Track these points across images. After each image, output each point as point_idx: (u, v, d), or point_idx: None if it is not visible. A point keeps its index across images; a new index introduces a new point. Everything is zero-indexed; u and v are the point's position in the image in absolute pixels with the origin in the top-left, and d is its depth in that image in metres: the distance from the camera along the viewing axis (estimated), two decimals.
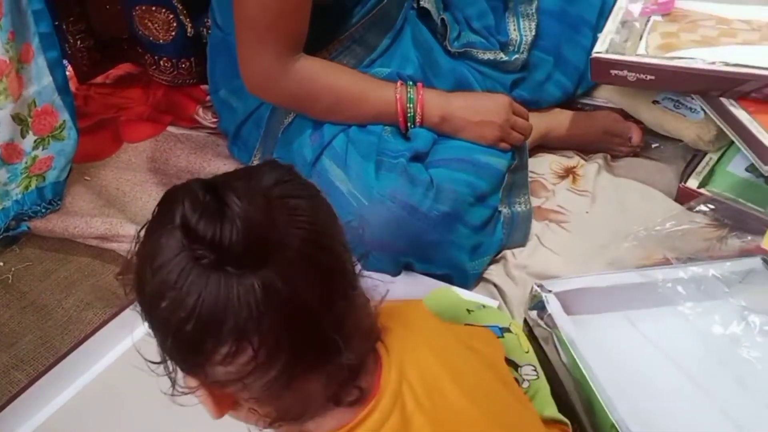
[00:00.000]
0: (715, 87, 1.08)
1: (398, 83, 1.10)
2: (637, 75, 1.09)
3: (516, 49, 1.22)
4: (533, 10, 1.23)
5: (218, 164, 1.27)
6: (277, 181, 0.57)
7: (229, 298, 0.52)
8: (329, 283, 0.56)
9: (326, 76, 1.07)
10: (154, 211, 0.57)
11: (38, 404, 0.94)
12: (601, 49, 1.11)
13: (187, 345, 0.55)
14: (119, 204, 1.22)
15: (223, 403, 0.60)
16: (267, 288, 0.52)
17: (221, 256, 0.52)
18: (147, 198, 1.24)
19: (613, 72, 1.10)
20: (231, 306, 0.52)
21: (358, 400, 0.59)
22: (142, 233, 0.57)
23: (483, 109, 1.13)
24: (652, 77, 1.09)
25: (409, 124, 1.11)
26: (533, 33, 1.23)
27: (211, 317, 0.53)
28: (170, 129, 1.36)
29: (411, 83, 1.11)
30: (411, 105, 1.09)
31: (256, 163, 1.17)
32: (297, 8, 1.01)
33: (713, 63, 1.06)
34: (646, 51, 1.11)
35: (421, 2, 1.22)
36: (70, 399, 0.95)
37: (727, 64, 1.06)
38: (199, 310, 0.52)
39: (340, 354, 0.56)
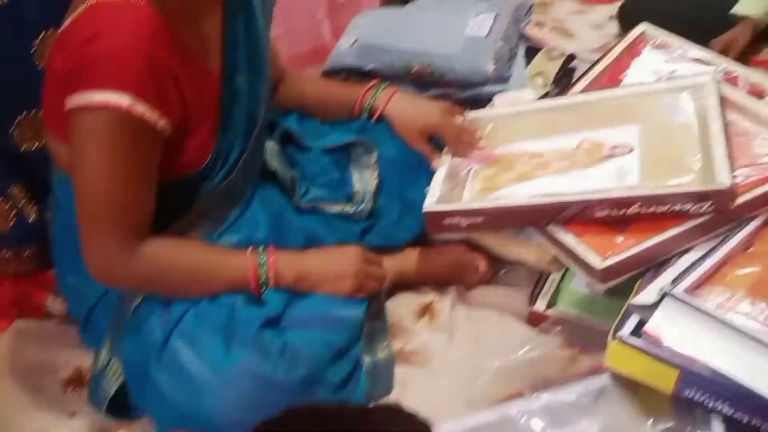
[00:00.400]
0: (539, 218, 1.14)
1: (249, 250, 1.11)
2: (468, 220, 1.15)
3: (362, 200, 1.26)
4: (374, 161, 1.28)
5: (69, 355, 1.23)
6: None
7: None
8: None
9: (175, 255, 1.07)
10: None
11: None
12: (431, 201, 1.17)
13: None
14: None
15: None
16: None
17: None
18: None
19: (446, 221, 1.16)
20: None
21: None
22: None
23: (336, 262, 1.15)
24: (482, 219, 1.15)
25: (262, 289, 1.10)
26: (376, 182, 1.27)
27: None
28: (17, 323, 1.31)
29: (262, 247, 1.11)
30: (263, 269, 1.10)
31: (104, 355, 1.13)
32: (139, 197, 1.02)
33: (533, 197, 1.12)
34: (470, 197, 1.17)
35: (268, 162, 1.25)
36: None
37: (544, 196, 1.11)
38: None
39: None
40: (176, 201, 1.10)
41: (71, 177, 1.02)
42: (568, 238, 1.11)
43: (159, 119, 0.97)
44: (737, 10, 1.67)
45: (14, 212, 1.32)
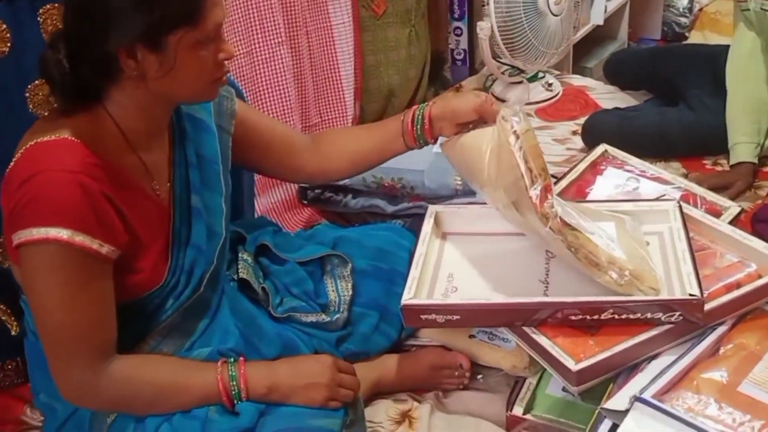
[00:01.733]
0: (514, 319, 1.17)
1: (220, 362, 1.12)
2: (445, 316, 1.17)
3: (336, 309, 1.28)
4: (348, 272, 1.32)
5: None
6: None
7: None
8: None
9: (143, 373, 1.08)
10: None
11: None
12: (408, 295, 1.19)
13: None
14: None
15: None
16: None
17: None
18: None
19: (423, 316, 1.18)
20: None
21: None
22: None
23: (308, 372, 1.15)
24: (458, 317, 1.17)
25: (235, 401, 1.11)
26: (350, 292, 1.30)
27: None
28: None
29: (233, 359, 1.13)
30: (234, 383, 1.10)
31: None
32: (96, 321, 1.03)
33: (509, 297, 1.16)
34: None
35: (240, 274, 1.28)
36: None
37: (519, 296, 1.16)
38: None
39: None
40: (145, 318, 1.12)
41: (31, 310, 1.04)
42: (542, 340, 1.14)
43: (102, 246, 1.00)
44: (737, 158, 1.75)
45: None
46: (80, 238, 0.97)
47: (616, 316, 1.11)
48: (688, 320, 1.09)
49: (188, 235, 1.14)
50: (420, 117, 1.26)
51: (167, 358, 1.12)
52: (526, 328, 1.17)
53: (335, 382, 1.15)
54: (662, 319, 1.10)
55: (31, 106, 1.28)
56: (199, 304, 1.17)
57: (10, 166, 1.01)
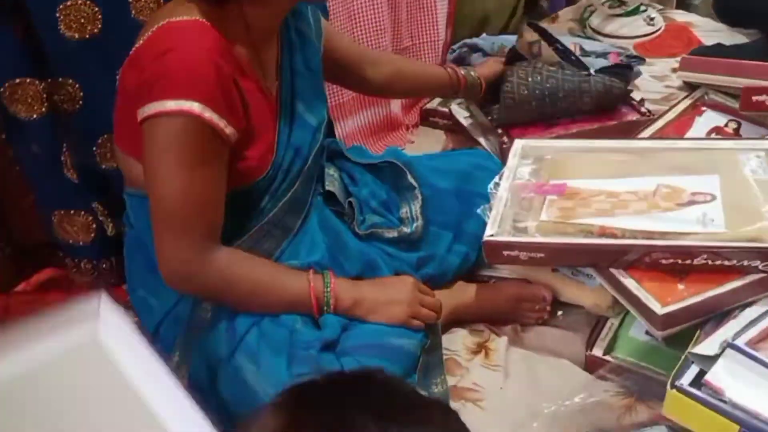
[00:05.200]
0: (601, 259, 1.14)
1: (311, 271, 1.15)
2: (528, 254, 1.15)
3: (412, 220, 1.28)
4: (411, 182, 1.31)
5: None
6: None
7: None
8: None
9: (243, 267, 1.11)
10: None
11: None
12: (491, 231, 1.17)
13: None
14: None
15: None
16: None
17: None
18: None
19: (506, 253, 1.16)
20: None
21: None
22: None
23: (390, 290, 1.19)
24: (542, 255, 1.15)
25: (324, 309, 1.14)
26: (419, 199, 1.30)
27: None
28: None
29: (324, 271, 1.16)
30: (327, 291, 1.14)
31: (175, 361, 1.17)
32: (211, 201, 1.06)
33: (600, 236, 1.13)
34: (535, 228, 1.17)
35: (327, 186, 1.30)
36: None
37: (611, 236, 1.12)
38: None
39: None
40: (245, 212, 1.15)
41: (146, 186, 1.07)
42: (629, 282, 1.11)
43: (226, 126, 1.03)
44: None
45: (95, 226, 1.39)
46: (209, 114, 1.00)
47: (710, 262, 1.06)
48: None
49: (289, 136, 1.17)
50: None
51: (264, 260, 1.15)
52: (613, 270, 1.14)
53: (417, 302, 1.18)
54: (761, 267, 1.05)
55: (133, 12, 1.30)
56: (296, 202, 1.20)
57: (139, 44, 1.05)
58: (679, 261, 1.08)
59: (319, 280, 1.14)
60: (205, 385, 1.12)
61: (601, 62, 1.63)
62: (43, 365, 0.88)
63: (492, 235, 1.17)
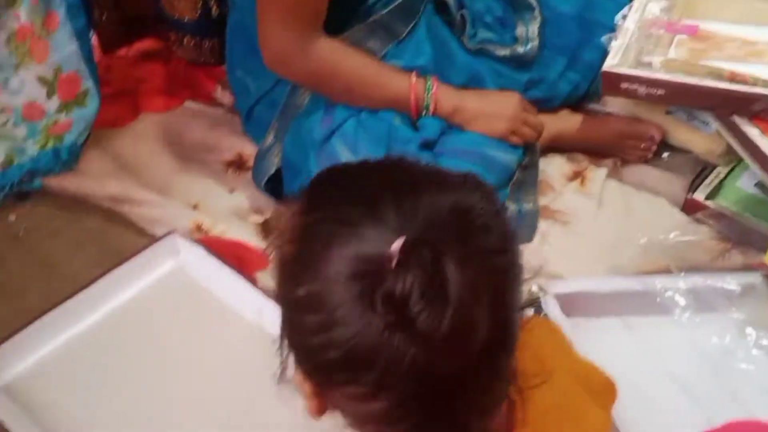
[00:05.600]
0: (724, 105, 1.09)
1: (414, 73, 1.12)
2: (648, 89, 1.10)
3: (527, 40, 1.23)
4: (530, 1, 1.24)
5: (233, 141, 1.29)
6: (495, 250, 0.51)
7: (388, 353, 0.46)
8: (490, 383, 0.52)
9: (345, 58, 1.09)
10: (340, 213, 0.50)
11: (34, 345, 0.97)
12: (612, 62, 1.12)
13: (318, 365, 0.50)
14: (134, 170, 1.24)
15: (324, 407, 0.55)
16: (430, 362, 0.47)
17: (408, 326, 0.46)
18: (161, 167, 1.26)
19: (624, 85, 1.11)
20: (385, 360, 0.47)
21: None
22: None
23: (494, 102, 1.16)
24: (662, 92, 1.10)
25: (423, 112, 1.12)
26: (538, 20, 1.24)
27: (360, 359, 0.47)
28: (188, 103, 1.37)
29: (428, 75, 1.12)
30: (428, 94, 1.11)
31: (270, 139, 1.18)
32: None
33: (730, 81, 1.07)
34: (676, 56, 1.12)
35: None
36: (61, 344, 0.98)
37: (741, 82, 1.06)
38: (350, 347, 0.47)
39: None
40: (351, 6, 1.11)
41: None
42: (751, 130, 1.07)
43: None
44: None
45: (201, 3, 1.37)
46: None
47: None
48: None
49: None
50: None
51: (368, 55, 1.13)
52: (736, 118, 1.09)
53: (520, 119, 1.15)
54: None
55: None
56: (409, 6, 1.14)
57: None
58: None
59: (421, 82, 1.12)
60: (298, 165, 1.14)
61: None
62: (144, 291, 0.95)
63: (613, 65, 1.12)
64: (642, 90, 1.11)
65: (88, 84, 1.21)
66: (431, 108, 1.12)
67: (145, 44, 1.51)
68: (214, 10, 1.39)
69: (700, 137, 1.22)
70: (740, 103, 1.07)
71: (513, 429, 0.57)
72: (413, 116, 1.13)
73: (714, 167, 1.22)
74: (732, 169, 1.20)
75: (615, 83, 1.12)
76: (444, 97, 1.13)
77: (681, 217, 1.18)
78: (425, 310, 0.45)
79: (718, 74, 1.09)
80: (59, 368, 0.96)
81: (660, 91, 1.10)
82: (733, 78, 1.08)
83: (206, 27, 1.39)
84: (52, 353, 0.97)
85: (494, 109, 1.15)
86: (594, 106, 1.32)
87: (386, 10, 1.13)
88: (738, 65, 1.09)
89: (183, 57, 1.44)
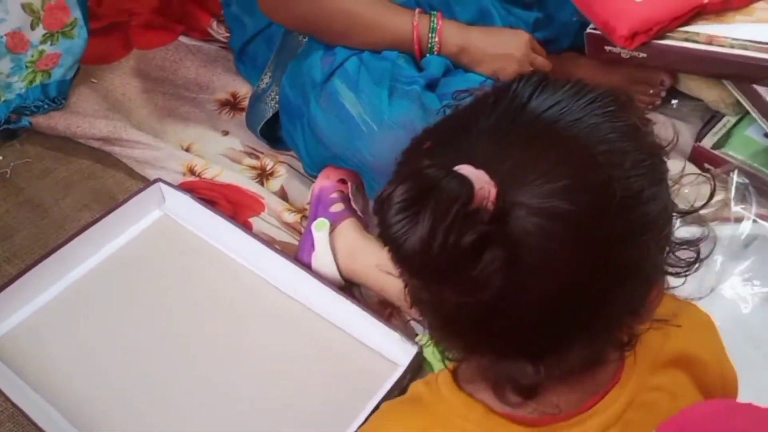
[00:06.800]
0: (708, 69, 1.07)
1: (417, 11, 1.07)
2: (631, 52, 1.07)
3: None
4: None
5: (227, 79, 1.25)
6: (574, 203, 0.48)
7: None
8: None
9: (341, 0, 1.04)
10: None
11: (25, 297, 0.95)
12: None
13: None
14: (124, 109, 1.21)
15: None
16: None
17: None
18: (152, 107, 1.22)
19: (608, 48, 1.09)
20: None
21: None
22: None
23: (502, 42, 1.10)
24: (645, 55, 1.07)
25: (426, 53, 1.08)
26: None
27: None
28: (181, 39, 1.33)
29: (432, 12, 1.08)
30: (432, 34, 1.07)
31: (266, 81, 1.14)
32: None
33: (707, 44, 1.03)
34: None
35: None
36: (57, 294, 0.97)
37: (717, 44, 1.03)
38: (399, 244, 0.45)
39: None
40: None
41: None
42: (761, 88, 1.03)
43: None
44: None
45: None
46: None
47: None
48: None
49: None
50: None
51: None
52: None
53: (527, 59, 1.10)
54: None
55: None
56: None
57: None
58: None
59: (425, 20, 1.06)
60: (297, 107, 1.10)
61: None
62: (130, 241, 0.91)
63: (595, 28, 1.08)
64: (624, 53, 1.08)
65: (76, 14, 1.16)
66: (435, 48, 1.07)
67: None
68: None
69: (711, 85, 1.18)
70: (720, 67, 1.05)
71: None
72: (417, 57, 1.08)
73: (723, 116, 1.18)
74: (741, 119, 1.17)
75: (599, 45, 1.10)
76: (449, 35, 1.08)
77: (687, 166, 1.15)
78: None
79: (694, 39, 1.06)
80: (52, 319, 0.95)
81: (642, 54, 1.07)
82: (710, 41, 1.04)
83: None
84: (43, 307, 0.96)
85: (502, 50, 1.10)
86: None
87: None
88: (718, 27, 1.05)
89: None
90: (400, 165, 0.51)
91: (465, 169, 0.46)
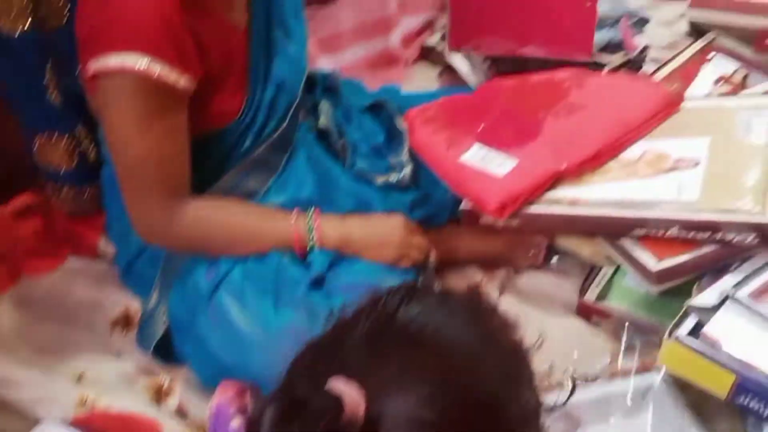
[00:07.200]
0: (575, 229, 1.14)
1: (294, 211, 1.11)
2: (503, 222, 1.13)
3: (401, 167, 1.24)
4: (400, 123, 1.27)
5: (119, 296, 1.25)
6: None
7: None
8: None
9: (217, 217, 1.08)
10: None
11: None
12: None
13: None
14: (12, 345, 1.18)
15: None
16: None
17: None
18: (44, 337, 1.19)
19: (482, 220, 1.15)
20: None
21: None
22: None
23: (379, 230, 1.15)
24: (517, 222, 1.13)
25: (309, 250, 1.11)
26: (406, 145, 1.25)
27: None
28: (70, 260, 1.33)
29: (309, 211, 1.12)
30: (311, 233, 1.10)
31: (154, 300, 1.14)
32: (171, 157, 1.02)
33: (571, 206, 1.10)
34: None
35: (320, 123, 1.25)
36: None
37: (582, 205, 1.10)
38: None
39: None
40: (223, 153, 1.10)
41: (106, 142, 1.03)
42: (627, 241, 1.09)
43: (179, 77, 0.96)
44: None
45: (78, 152, 1.34)
46: (158, 68, 0.94)
47: (683, 234, 1.03)
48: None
49: (267, 69, 1.10)
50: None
51: (242, 203, 1.12)
52: None
53: (407, 242, 1.15)
54: (734, 241, 1.00)
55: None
56: (283, 140, 1.15)
57: None
58: (652, 232, 1.05)
59: (302, 220, 1.10)
60: (183, 324, 1.10)
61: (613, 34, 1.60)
62: None
63: (468, 204, 1.15)
64: (498, 223, 1.14)
65: None
66: (317, 245, 1.11)
67: (22, 200, 1.45)
68: (92, 156, 1.35)
69: (584, 241, 1.24)
70: (585, 226, 1.11)
71: None
72: (300, 256, 1.11)
73: (601, 267, 1.24)
74: (618, 268, 1.22)
75: (475, 219, 1.16)
76: (328, 230, 1.12)
77: (576, 322, 1.19)
78: None
79: (558, 202, 1.13)
80: None
81: (515, 222, 1.13)
82: (574, 203, 1.12)
83: (85, 175, 1.35)
84: None
85: (381, 237, 1.14)
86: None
87: (262, 148, 1.13)
88: (580, 189, 1.12)
89: (63, 209, 1.39)
90: (280, 381, 0.54)
91: (337, 384, 0.48)
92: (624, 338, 1.13)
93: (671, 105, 1.21)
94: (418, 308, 0.56)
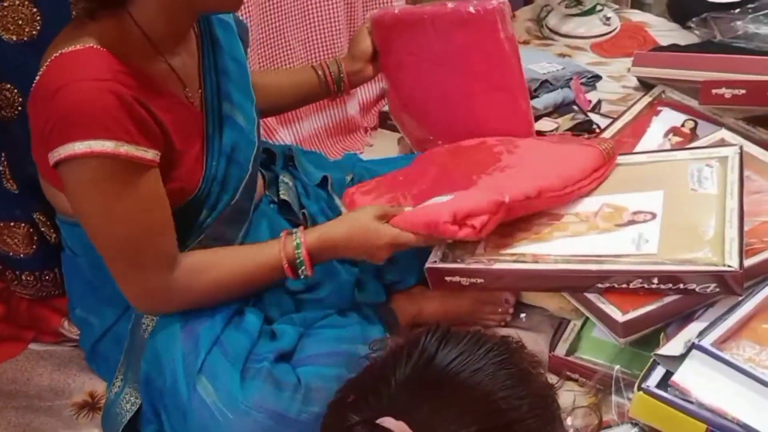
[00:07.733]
0: (540, 286, 1.14)
1: (283, 233, 1.10)
2: (469, 279, 1.13)
3: None
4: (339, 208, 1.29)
5: (83, 379, 1.22)
6: None
7: None
8: None
9: (209, 273, 1.06)
10: None
11: None
12: (434, 258, 1.15)
13: None
14: None
15: None
16: None
17: None
18: (7, 425, 1.16)
19: (448, 279, 1.14)
20: None
21: None
22: None
23: (357, 229, 1.11)
24: (482, 280, 1.13)
25: (300, 270, 1.08)
26: None
27: None
28: (32, 346, 1.30)
29: (295, 230, 1.10)
30: (299, 251, 1.08)
31: (118, 385, 1.11)
32: (160, 225, 1.01)
33: (534, 263, 1.11)
34: (484, 250, 1.15)
35: (281, 195, 1.26)
36: None
37: (543, 262, 1.10)
38: None
39: None
40: (182, 229, 1.08)
41: (81, 225, 1.01)
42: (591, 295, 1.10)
43: (147, 151, 0.96)
44: None
45: (37, 237, 1.32)
46: (125, 148, 0.93)
47: (645, 286, 1.03)
48: (727, 292, 1.00)
49: (221, 143, 1.11)
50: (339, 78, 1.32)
51: (229, 249, 1.11)
52: None
53: (395, 243, 1.10)
54: (696, 290, 1.01)
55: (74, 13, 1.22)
56: (236, 213, 1.14)
57: (35, 81, 0.96)
58: (615, 285, 1.06)
59: (290, 240, 1.08)
60: (155, 407, 1.08)
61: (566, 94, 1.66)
62: None
63: (435, 262, 1.15)
64: (464, 281, 1.14)
65: None
66: (305, 261, 1.08)
67: None
68: (53, 239, 1.34)
69: (550, 296, 1.26)
70: (550, 282, 1.11)
71: None
72: (293, 277, 1.09)
73: (570, 321, 1.24)
74: (586, 319, 1.23)
75: (440, 277, 1.15)
76: (312, 240, 1.08)
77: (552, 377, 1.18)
78: None
79: (521, 260, 1.12)
80: None
81: (479, 280, 1.13)
82: (536, 260, 1.12)
83: (45, 259, 1.33)
84: None
85: (365, 250, 1.11)
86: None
87: (216, 222, 1.12)
88: (541, 245, 1.13)
89: (24, 294, 1.37)
90: (327, 420, 0.58)
91: (387, 422, 0.53)
92: (598, 391, 1.13)
93: (606, 162, 1.22)
94: (456, 350, 0.62)
